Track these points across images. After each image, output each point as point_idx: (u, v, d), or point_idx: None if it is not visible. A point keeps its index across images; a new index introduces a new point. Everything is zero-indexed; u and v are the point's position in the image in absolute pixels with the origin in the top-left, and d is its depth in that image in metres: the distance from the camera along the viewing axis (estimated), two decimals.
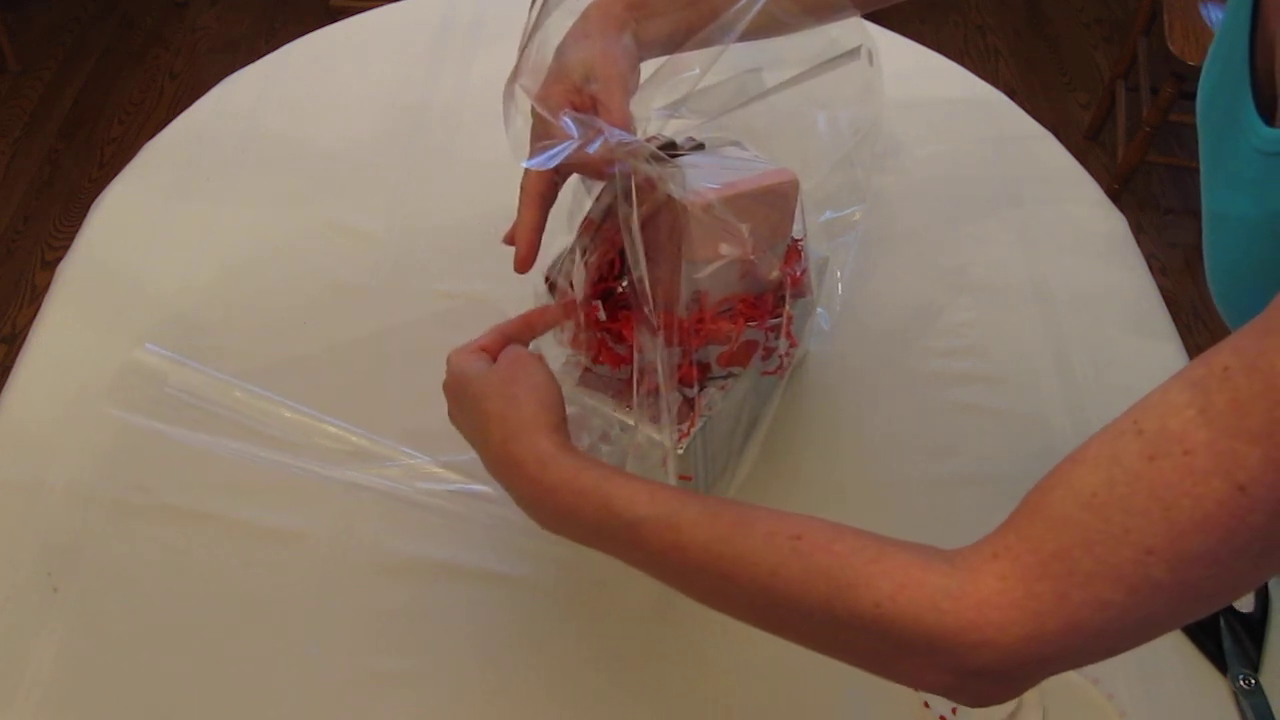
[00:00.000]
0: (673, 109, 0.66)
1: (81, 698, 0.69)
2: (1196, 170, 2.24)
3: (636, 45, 0.67)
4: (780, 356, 0.70)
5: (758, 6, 0.64)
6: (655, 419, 0.64)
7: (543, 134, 0.63)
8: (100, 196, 1.01)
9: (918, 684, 0.47)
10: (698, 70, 0.65)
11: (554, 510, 0.55)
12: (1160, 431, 0.40)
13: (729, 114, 0.64)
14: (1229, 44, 0.61)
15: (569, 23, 0.66)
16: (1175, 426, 0.40)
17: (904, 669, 0.46)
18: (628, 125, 0.62)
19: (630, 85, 0.65)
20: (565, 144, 0.59)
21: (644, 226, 0.61)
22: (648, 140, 0.64)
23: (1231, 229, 0.60)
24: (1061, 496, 0.42)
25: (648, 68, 0.68)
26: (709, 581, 0.51)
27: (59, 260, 0.96)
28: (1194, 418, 0.39)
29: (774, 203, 0.65)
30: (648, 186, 0.61)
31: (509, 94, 0.63)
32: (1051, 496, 0.43)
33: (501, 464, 0.57)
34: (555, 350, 0.69)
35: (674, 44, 0.68)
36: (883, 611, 0.45)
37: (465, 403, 0.61)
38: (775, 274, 0.66)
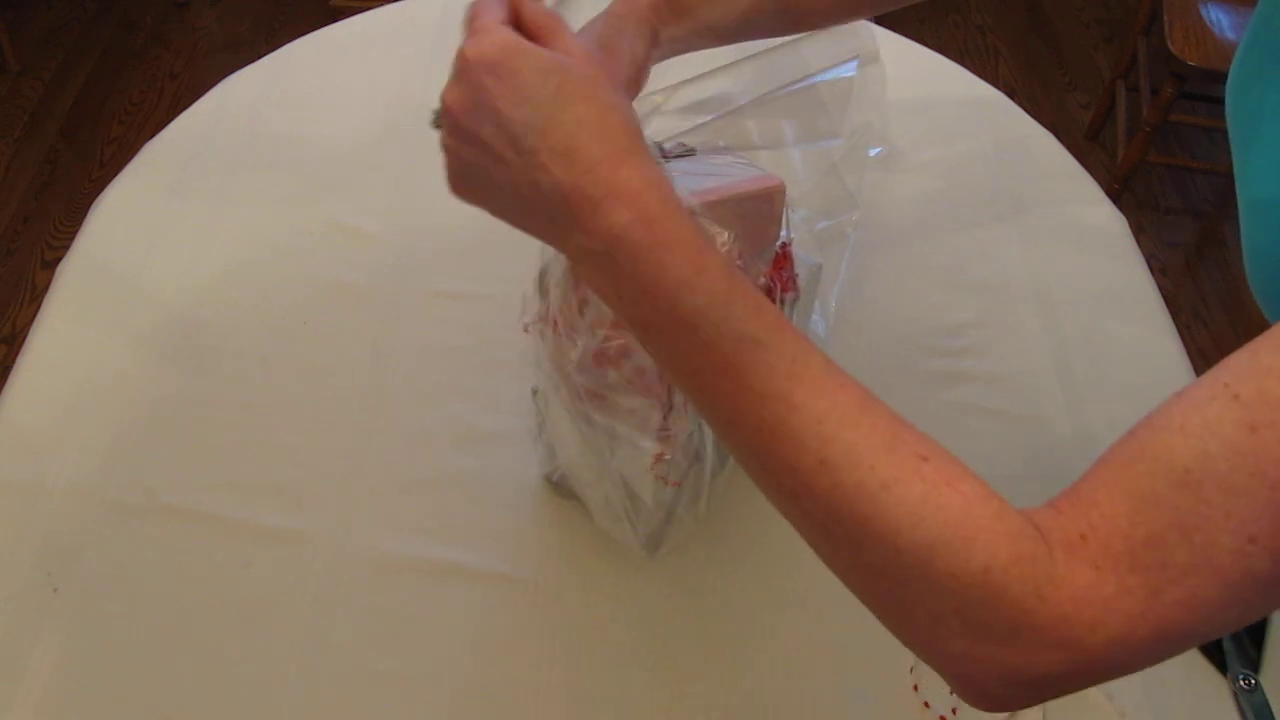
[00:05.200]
0: (668, 112, 0.65)
1: (81, 698, 0.69)
2: (1197, 170, 2.24)
3: (656, 45, 0.66)
4: None
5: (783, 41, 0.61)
6: (643, 425, 0.64)
7: None
8: (100, 196, 1.01)
9: (963, 667, 0.40)
10: (695, 74, 0.65)
11: (644, 269, 0.42)
12: (1260, 397, 0.36)
13: (721, 119, 0.64)
14: (1266, 27, 0.60)
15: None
16: (1276, 391, 0.35)
17: (963, 647, 0.40)
18: None
19: (630, 91, 0.64)
20: None
21: None
22: None
23: (1273, 212, 0.58)
24: (1147, 470, 0.37)
25: (658, 68, 0.68)
26: (804, 460, 0.41)
27: (59, 260, 0.95)
28: None
29: (758, 208, 0.65)
30: None
31: None
32: (1134, 470, 0.38)
33: (593, 187, 0.42)
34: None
35: (698, 43, 0.68)
36: (991, 579, 0.38)
37: (538, 92, 0.43)
38: (762, 280, 0.66)
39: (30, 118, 2.28)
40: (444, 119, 0.46)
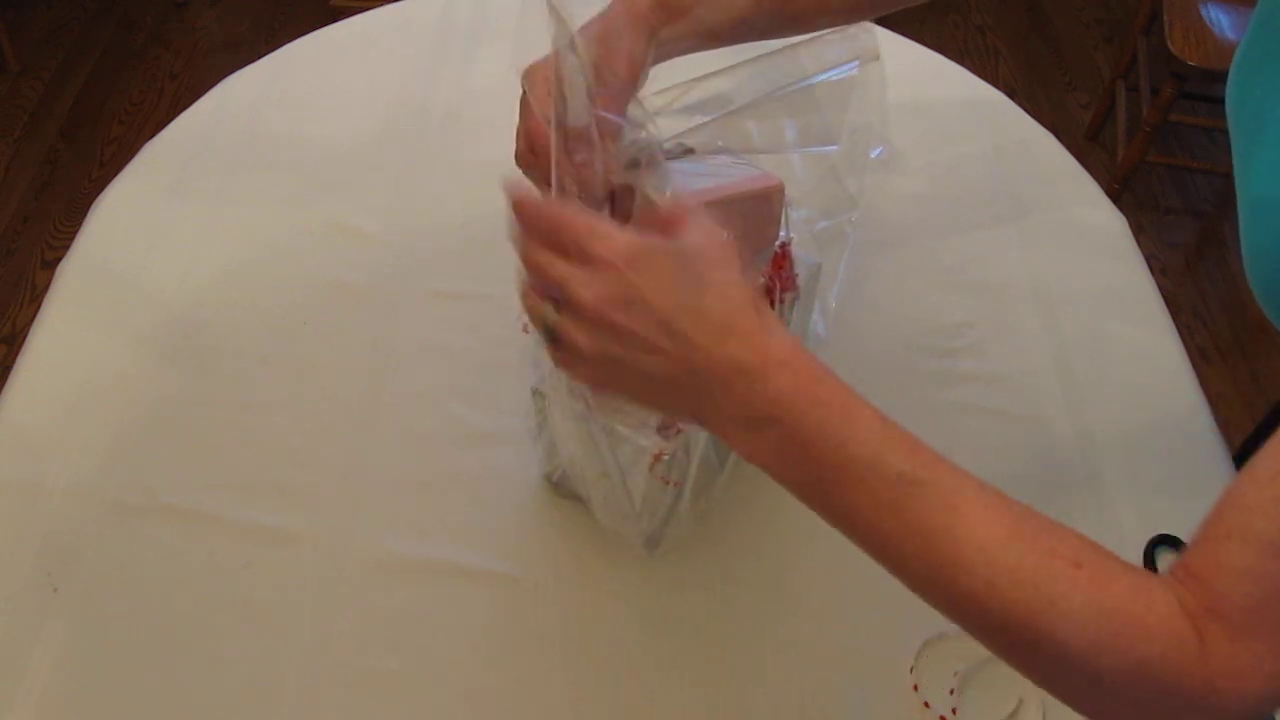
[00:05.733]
0: (669, 113, 0.65)
1: (81, 698, 0.69)
2: (1197, 170, 2.24)
3: (654, 46, 0.66)
4: None
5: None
6: (644, 423, 0.64)
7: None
8: (100, 196, 1.01)
9: None
10: (695, 76, 0.65)
11: (806, 428, 0.46)
12: None
13: (720, 120, 0.64)
14: (1265, 26, 0.60)
15: None
16: None
17: (1124, 717, 0.46)
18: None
19: (628, 91, 0.64)
20: None
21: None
22: (628, 144, 0.64)
23: (1276, 211, 0.59)
24: (1239, 549, 0.43)
25: (658, 70, 0.67)
26: (972, 584, 0.44)
27: (59, 260, 0.96)
28: None
29: (757, 208, 0.65)
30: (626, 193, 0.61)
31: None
32: (1230, 549, 0.43)
33: (752, 358, 0.46)
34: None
35: (697, 44, 0.68)
36: (1149, 669, 0.43)
37: (680, 279, 0.46)
38: (762, 279, 0.66)
39: (30, 118, 2.28)
40: (581, 318, 0.47)
